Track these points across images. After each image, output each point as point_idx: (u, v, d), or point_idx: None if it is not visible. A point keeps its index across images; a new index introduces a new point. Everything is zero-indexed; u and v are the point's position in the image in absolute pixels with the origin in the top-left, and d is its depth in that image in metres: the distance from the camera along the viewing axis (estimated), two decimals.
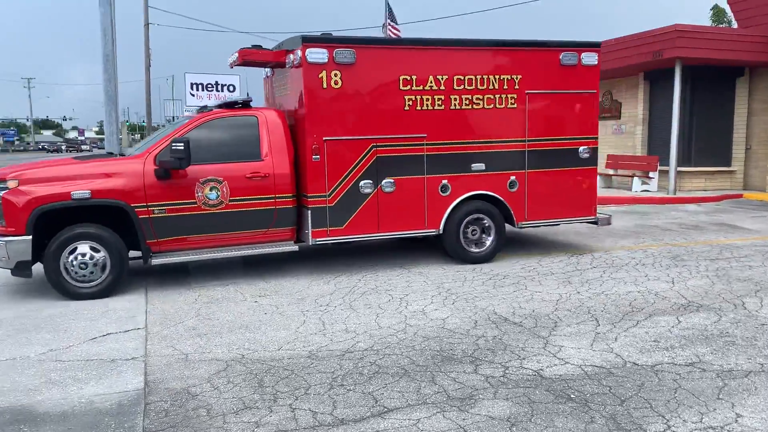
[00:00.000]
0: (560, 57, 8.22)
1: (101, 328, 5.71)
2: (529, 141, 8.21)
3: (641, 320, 5.69)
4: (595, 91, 8.54)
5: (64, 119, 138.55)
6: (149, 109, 33.47)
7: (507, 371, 4.54)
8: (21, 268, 6.63)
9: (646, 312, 5.95)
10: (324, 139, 7.33)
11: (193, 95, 43.56)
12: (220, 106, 7.72)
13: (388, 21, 23.69)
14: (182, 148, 6.71)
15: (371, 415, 3.89)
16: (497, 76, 7.94)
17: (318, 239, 7.48)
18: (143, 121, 42.65)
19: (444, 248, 8.19)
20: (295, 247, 7.54)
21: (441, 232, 7.95)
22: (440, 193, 7.88)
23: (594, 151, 8.57)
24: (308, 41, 7.22)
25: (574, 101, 8.40)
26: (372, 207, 7.61)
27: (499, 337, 5.27)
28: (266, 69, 8.85)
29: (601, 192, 16.43)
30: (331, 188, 7.43)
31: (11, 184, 6.62)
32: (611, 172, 18.01)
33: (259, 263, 8.35)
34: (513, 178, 8.17)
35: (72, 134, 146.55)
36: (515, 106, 8.06)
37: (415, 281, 7.24)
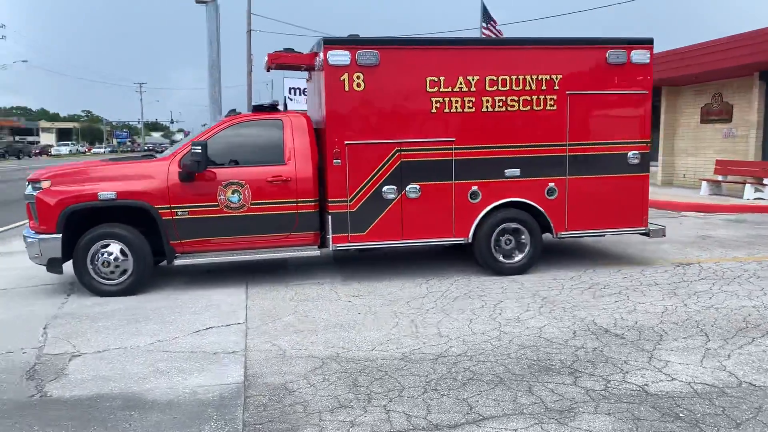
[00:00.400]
0: (606, 55, 7.66)
1: (204, 322, 5.96)
2: (570, 145, 7.68)
3: (757, 337, 5.29)
4: (646, 91, 7.85)
5: (171, 122, 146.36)
6: None
7: (609, 385, 4.34)
8: (53, 265, 6.98)
9: (763, 329, 5.53)
10: (345, 143, 7.21)
11: (291, 99, 44.86)
12: (252, 110, 7.78)
13: (483, 23, 23.46)
14: (199, 151, 6.82)
15: (466, 422, 3.83)
16: (534, 77, 7.50)
17: (338, 245, 7.36)
18: None
19: (475, 258, 7.84)
20: (318, 252, 7.49)
21: (470, 240, 7.60)
22: (469, 199, 7.51)
23: (645, 157, 7.90)
24: (329, 43, 7.16)
25: (623, 103, 7.80)
26: (395, 213, 7.38)
27: (600, 349, 5.05)
28: (306, 72, 8.72)
29: (708, 199, 15.51)
30: (353, 193, 7.28)
31: (44, 184, 6.98)
32: (720, 178, 16.95)
33: (352, 264, 8.45)
34: (552, 184, 7.68)
35: (178, 136, 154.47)
36: (554, 108, 7.58)
37: (510, 288, 7.09)
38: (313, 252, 7.44)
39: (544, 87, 7.54)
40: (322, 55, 7.17)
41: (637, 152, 7.85)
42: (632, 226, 8.02)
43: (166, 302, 6.70)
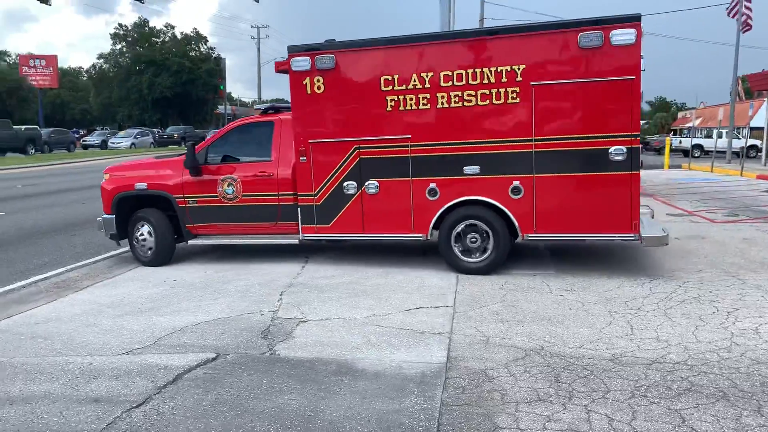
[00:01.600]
0: (578, 38, 6.68)
1: (415, 302, 6.24)
2: (537, 141, 6.94)
3: None
4: (633, 76, 6.59)
5: None
6: None
7: None
8: (113, 239, 8.69)
9: None
10: (309, 141, 7.63)
11: None
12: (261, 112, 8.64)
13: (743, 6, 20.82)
14: (187, 152, 8.14)
15: None
16: (493, 69, 6.94)
17: (306, 235, 7.85)
18: None
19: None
20: (296, 241, 7.97)
21: (428, 237, 7.47)
22: (428, 197, 7.34)
23: (633, 152, 6.69)
24: (293, 51, 7.62)
25: (602, 91, 6.71)
26: (356, 208, 7.59)
27: None
28: None
29: None
30: (317, 188, 7.69)
31: (106, 176, 8.78)
32: None
33: (569, 257, 8.14)
34: (517, 183, 7.04)
35: None
36: (518, 100, 6.92)
37: (750, 295, 6.28)
38: (293, 240, 8.00)
39: (504, 79, 6.94)
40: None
41: (621, 147, 6.71)
42: (618, 232, 6.93)
43: (384, 280, 7.13)
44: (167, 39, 72.42)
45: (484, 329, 5.37)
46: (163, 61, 65.81)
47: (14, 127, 40.38)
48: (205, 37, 77.16)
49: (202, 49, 73.33)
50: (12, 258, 9.11)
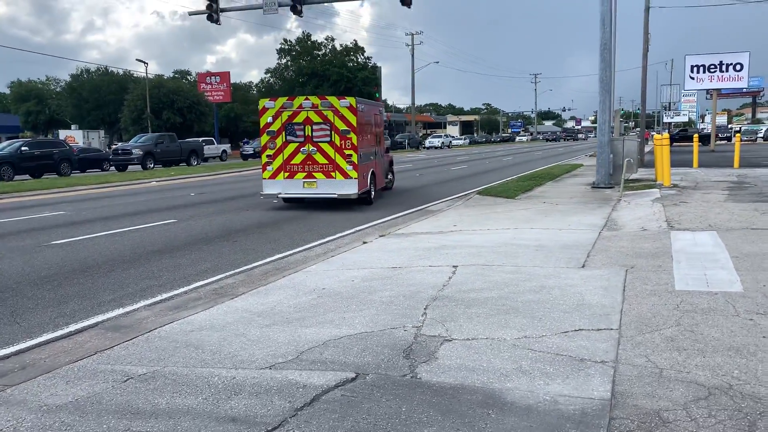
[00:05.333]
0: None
1: (574, 322, 5.60)
2: None
3: None
4: None
5: (564, 110, 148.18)
6: (644, 96, 32.60)
7: None
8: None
9: None
10: None
11: (692, 78, 40.59)
12: None
13: None
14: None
15: None
16: None
17: None
18: (638, 109, 41.86)
19: None
20: None
21: None
22: None
23: None
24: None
25: None
26: None
27: None
28: None
29: None
30: None
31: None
32: None
33: (757, 271, 6.98)
34: None
35: (569, 124, 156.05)
36: None
37: None
38: None
39: None
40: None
41: None
42: None
43: (537, 296, 6.54)
44: (327, 51, 75.72)
45: (656, 359, 4.64)
46: (324, 72, 68.87)
47: (179, 140, 44.93)
48: (363, 48, 79.79)
49: (359, 59, 75.78)
50: (180, 263, 9.68)
